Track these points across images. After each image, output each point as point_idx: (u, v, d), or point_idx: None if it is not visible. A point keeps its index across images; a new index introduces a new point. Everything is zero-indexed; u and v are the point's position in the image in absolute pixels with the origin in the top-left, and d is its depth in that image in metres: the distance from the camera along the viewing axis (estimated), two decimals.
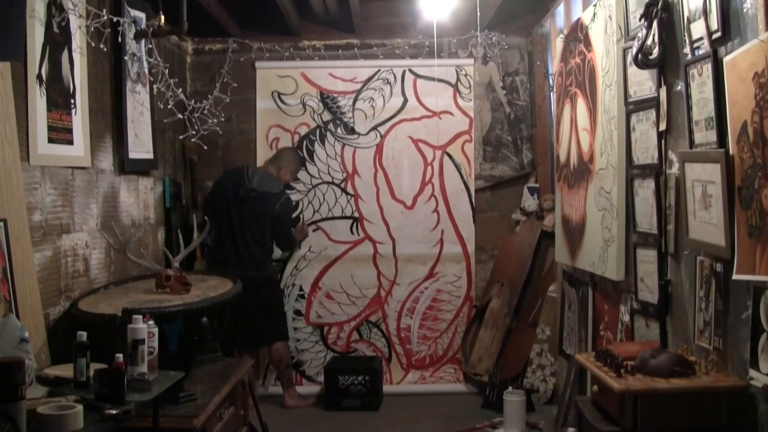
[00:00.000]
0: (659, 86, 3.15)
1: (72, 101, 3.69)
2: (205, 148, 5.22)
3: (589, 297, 4.19)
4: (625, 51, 3.50)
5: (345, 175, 5.72)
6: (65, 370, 2.88)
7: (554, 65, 4.83)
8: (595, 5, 3.86)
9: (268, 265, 5.32)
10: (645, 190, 3.32)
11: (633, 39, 3.29)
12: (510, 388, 4.67)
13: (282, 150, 5.52)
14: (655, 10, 3.03)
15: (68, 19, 3.60)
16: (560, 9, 4.73)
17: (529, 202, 5.55)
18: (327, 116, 5.72)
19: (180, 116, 4.86)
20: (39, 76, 3.35)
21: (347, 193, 5.73)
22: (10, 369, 2.23)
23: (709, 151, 2.64)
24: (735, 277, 2.41)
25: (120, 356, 2.73)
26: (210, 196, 5.46)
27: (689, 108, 2.80)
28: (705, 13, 2.66)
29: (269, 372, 5.65)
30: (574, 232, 4.29)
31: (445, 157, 5.70)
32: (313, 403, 5.38)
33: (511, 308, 5.33)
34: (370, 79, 5.71)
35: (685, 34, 2.85)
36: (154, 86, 4.50)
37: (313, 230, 5.70)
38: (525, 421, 4.55)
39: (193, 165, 5.66)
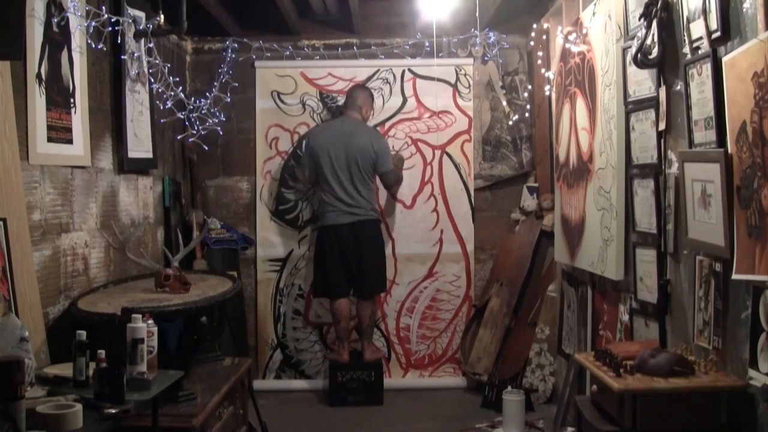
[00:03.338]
0: (659, 86, 3.15)
1: (71, 100, 3.69)
2: (206, 148, 5.24)
3: (588, 296, 4.19)
4: (624, 50, 3.50)
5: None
6: (65, 369, 2.88)
7: (554, 65, 4.83)
8: (594, 5, 3.86)
9: (375, 211, 5.38)
10: (644, 189, 3.32)
11: (632, 38, 3.29)
12: (509, 388, 4.66)
13: (353, 91, 5.44)
14: (654, 10, 3.03)
15: (68, 19, 3.60)
16: (560, 8, 4.73)
17: (529, 202, 5.55)
18: (327, 116, 5.71)
19: (179, 115, 4.87)
20: (38, 76, 3.35)
21: None
22: (10, 368, 2.23)
23: (708, 150, 2.64)
24: (734, 276, 2.41)
25: (102, 352, 2.73)
26: (308, 153, 5.38)
27: (688, 108, 2.80)
28: (704, 12, 2.66)
29: (268, 371, 5.66)
30: (574, 231, 4.29)
31: (445, 157, 5.71)
32: (383, 354, 5.54)
33: (511, 308, 5.33)
34: (369, 78, 5.71)
35: (685, 34, 2.85)
36: (154, 85, 4.50)
37: (313, 230, 5.71)
38: (524, 420, 4.54)
39: (193, 164, 5.66)
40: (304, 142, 5.47)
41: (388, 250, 5.66)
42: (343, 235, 5.20)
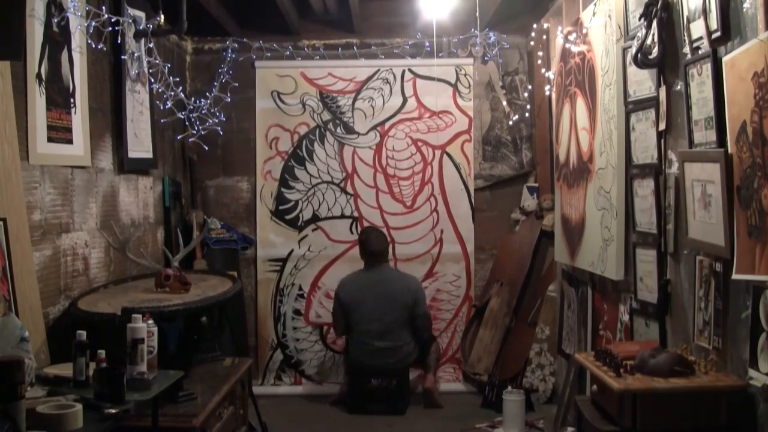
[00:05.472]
0: (659, 86, 3.15)
1: (71, 100, 3.69)
2: (206, 148, 5.24)
3: (588, 296, 4.19)
4: (624, 50, 3.50)
5: (344, 174, 5.72)
6: (65, 369, 2.88)
7: (554, 65, 4.83)
8: (594, 4, 3.86)
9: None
10: (644, 189, 3.32)
11: (632, 38, 3.29)
12: (509, 388, 4.66)
13: (380, 243, 5.30)
14: (654, 10, 3.03)
15: (68, 19, 3.60)
16: (560, 8, 4.73)
17: (529, 202, 5.55)
18: (326, 116, 5.71)
19: (179, 115, 4.87)
20: (38, 76, 3.35)
21: (347, 193, 5.73)
22: (10, 368, 2.23)
23: (708, 150, 2.64)
24: (734, 276, 2.41)
25: (102, 352, 2.73)
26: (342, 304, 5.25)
27: (689, 108, 2.80)
28: (704, 12, 2.66)
29: (268, 371, 5.66)
30: (574, 231, 4.29)
31: (445, 157, 5.70)
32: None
33: (511, 308, 5.33)
34: (369, 78, 5.71)
35: (685, 34, 2.85)
36: (154, 85, 4.50)
37: (313, 229, 5.71)
38: (524, 420, 4.54)
39: (193, 164, 5.66)
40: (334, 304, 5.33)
41: (389, 249, 5.67)
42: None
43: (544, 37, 5.10)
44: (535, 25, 4.93)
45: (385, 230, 5.66)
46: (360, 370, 5.11)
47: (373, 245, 5.25)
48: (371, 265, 5.26)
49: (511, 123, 5.71)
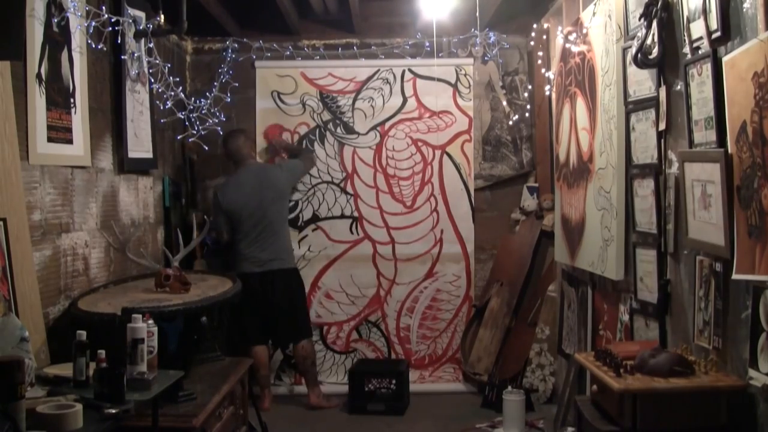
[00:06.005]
0: (659, 86, 3.15)
1: (71, 100, 3.69)
2: (206, 148, 5.24)
3: (588, 296, 4.19)
4: (624, 50, 3.50)
5: (344, 174, 5.72)
6: (65, 369, 2.88)
7: (554, 65, 4.83)
8: (594, 4, 3.87)
9: (290, 257, 5.34)
10: (644, 189, 3.32)
11: (633, 38, 3.29)
12: (509, 388, 4.67)
13: (235, 142, 5.32)
14: (654, 10, 3.03)
15: (68, 19, 3.60)
16: (560, 8, 4.73)
17: (529, 202, 5.55)
18: (326, 116, 5.71)
19: (179, 115, 4.87)
20: (38, 76, 3.35)
21: (347, 193, 5.73)
22: (10, 368, 2.23)
23: (708, 150, 2.64)
24: (734, 276, 2.41)
25: (102, 352, 2.73)
26: (218, 204, 5.30)
27: (689, 108, 2.80)
28: (705, 12, 2.66)
29: (269, 371, 5.65)
30: (574, 231, 4.29)
31: (445, 157, 5.70)
32: (336, 405, 5.27)
33: (511, 308, 5.33)
34: (369, 78, 5.71)
35: (685, 34, 2.85)
36: (154, 85, 4.50)
37: (313, 229, 5.71)
38: (524, 420, 4.55)
39: (193, 164, 5.66)
40: (213, 202, 5.40)
41: (389, 249, 5.67)
42: (256, 283, 5.10)
43: (544, 37, 5.10)
44: (535, 25, 4.93)
45: (385, 230, 5.67)
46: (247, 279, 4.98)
47: (230, 146, 5.32)
48: (238, 164, 5.35)
49: (511, 123, 5.70)
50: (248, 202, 5.18)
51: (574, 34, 4.16)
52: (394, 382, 5.15)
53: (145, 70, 4.49)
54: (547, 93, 4.98)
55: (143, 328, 2.90)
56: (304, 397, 5.34)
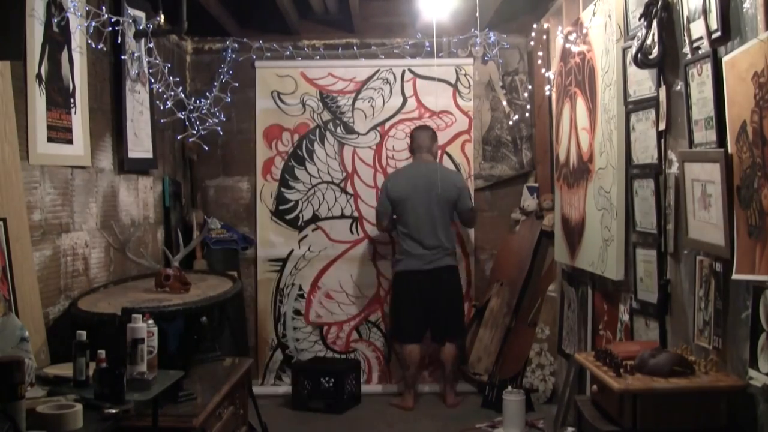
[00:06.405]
0: (659, 86, 3.15)
1: (71, 100, 3.69)
2: (206, 148, 5.25)
3: (588, 296, 4.19)
4: (624, 50, 3.50)
5: (344, 174, 5.72)
6: (65, 369, 2.88)
7: (554, 65, 4.83)
8: (595, 4, 3.86)
9: (454, 254, 5.33)
10: (644, 189, 3.32)
11: (633, 38, 3.29)
12: (509, 388, 4.67)
13: (422, 134, 5.34)
14: (654, 10, 3.03)
15: (68, 19, 3.60)
16: (560, 8, 4.73)
17: (529, 202, 5.55)
18: (327, 116, 5.72)
19: (179, 115, 4.87)
20: (38, 76, 3.35)
21: (347, 193, 5.73)
22: (10, 368, 2.23)
23: (708, 150, 2.64)
24: (734, 276, 2.41)
25: (102, 352, 2.74)
26: (386, 189, 5.31)
27: (689, 108, 2.80)
28: (705, 12, 2.66)
29: (268, 371, 5.65)
30: (574, 231, 4.29)
31: (445, 157, 5.70)
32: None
33: (511, 308, 5.33)
34: (369, 78, 5.71)
35: (685, 34, 2.85)
36: (154, 85, 4.50)
37: (313, 229, 5.71)
38: (524, 420, 4.55)
39: (193, 164, 5.66)
40: (381, 186, 5.40)
41: (389, 249, 5.67)
42: (423, 280, 5.16)
43: (544, 37, 5.10)
44: (535, 25, 4.93)
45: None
46: (409, 275, 5.15)
47: (419, 138, 5.32)
48: (414, 155, 5.36)
49: (511, 123, 5.71)
50: (416, 194, 5.16)
51: (574, 34, 4.16)
52: (332, 381, 5.15)
53: (145, 70, 4.49)
54: (547, 93, 4.98)
55: (143, 328, 2.90)
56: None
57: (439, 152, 5.49)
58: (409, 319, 5.22)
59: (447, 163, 5.69)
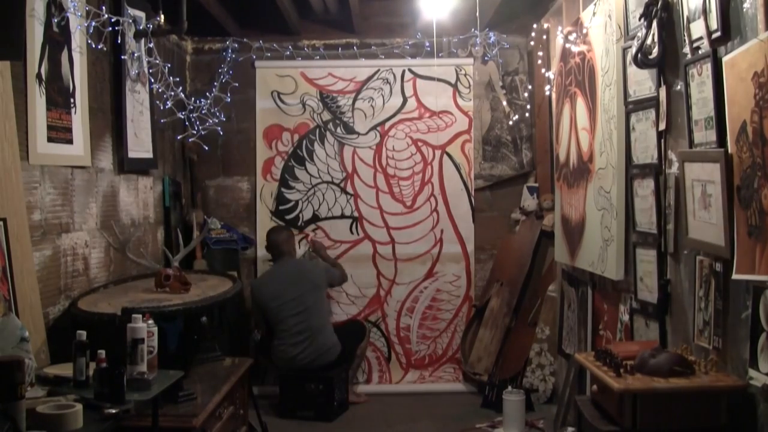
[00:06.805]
0: (659, 86, 3.15)
1: (71, 100, 3.69)
2: (206, 148, 5.24)
3: (588, 296, 4.19)
4: (624, 50, 3.50)
5: (344, 174, 5.72)
6: (65, 369, 2.88)
7: (554, 65, 4.83)
8: (595, 4, 3.86)
9: (336, 345, 5.19)
10: (644, 189, 3.32)
11: (633, 38, 3.29)
12: (509, 388, 4.66)
13: (277, 237, 5.31)
14: (654, 10, 3.03)
15: (68, 19, 3.60)
16: (560, 8, 4.73)
17: (529, 202, 5.55)
18: (327, 116, 5.72)
19: (179, 115, 4.87)
20: (38, 76, 3.35)
21: (347, 193, 5.73)
22: (10, 368, 2.23)
23: (708, 150, 2.64)
24: (734, 276, 2.41)
25: (102, 352, 2.74)
26: (256, 299, 5.26)
27: (689, 108, 2.80)
28: (705, 12, 2.66)
29: (268, 371, 5.65)
30: (574, 231, 4.29)
31: (445, 157, 5.70)
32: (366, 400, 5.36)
33: (511, 308, 5.33)
34: (369, 78, 5.71)
35: (685, 34, 2.85)
36: (154, 85, 4.50)
37: (314, 229, 5.71)
38: (524, 420, 4.55)
39: (193, 164, 5.66)
40: (252, 298, 5.31)
41: (389, 249, 5.67)
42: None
43: (544, 37, 5.10)
44: (535, 25, 4.93)
45: (385, 230, 5.67)
46: (289, 372, 5.10)
47: (272, 239, 5.30)
48: (276, 259, 5.32)
49: (511, 123, 5.71)
50: (286, 294, 5.10)
51: (574, 34, 4.16)
52: (321, 386, 5.01)
53: (145, 70, 4.49)
54: (547, 93, 4.98)
55: (143, 328, 2.90)
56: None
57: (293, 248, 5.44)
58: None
59: (447, 163, 5.70)
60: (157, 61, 4.41)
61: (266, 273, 5.40)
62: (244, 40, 5.62)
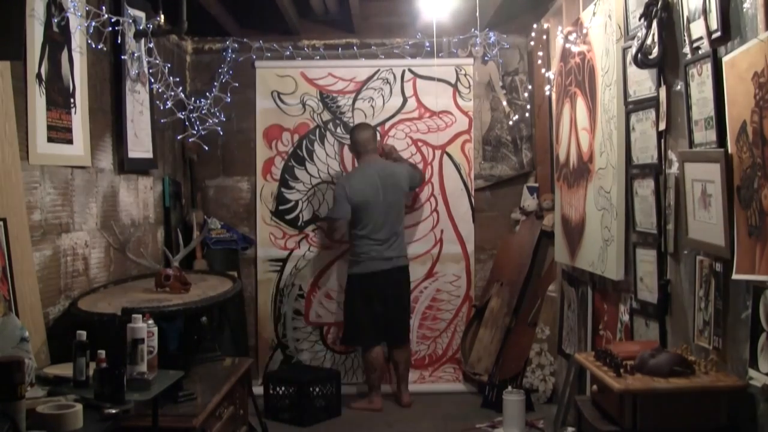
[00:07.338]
0: (659, 86, 3.15)
1: (71, 100, 3.69)
2: (206, 148, 5.24)
3: (588, 296, 4.19)
4: (624, 50, 3.50)
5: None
6: (65, 370, 2.88)
7: (554, 65, 4.83)
8: (595, 4, 3.86)
9: (406, 254, 5.32)
10: (644, 189, 3.32)
11: (633, 38, 3.29)
12: (509, 388, 4.67)
13: (363, 134, 5.31)
14: (654, 10, 3.03)
15: (68, 19, 3.60)
16: (560, 8, 4.73)
17: (529, 202, 5.55)
18: (327, 116, 5.71)
19: (179, 115, 4.87)
20: (38, 76, 3.35)
21: None
22: (10, 368, 2.23)
23: (708, 150, 2.64)
24: (734, 276, 2.41)
25: (102, 352, 2.74)
26: (344, 194, 5.24)
27: (689, 108, 2.80)
28: (705, 12, 2.66)
29: (268, 371, 5.65)
30: (574, 231, 4.29)
31: (445, 157, 5.70)
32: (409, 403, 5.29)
33: (511, 308, 5.33)
34: (369, 78, 5.71)
35: (685, 34, 2.85)
36: (154, 85, 4.50)
37: (313, 229, 5.71)
38: (524, 420, 4.55)
39: (193, 164, 5.66)
40: (335, 193, 5.35)
41: None
42: (380, 281, 5.16)
43: (544, 37, 5.10)
44: (535, 25, 4.93)
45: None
46: (369, 277, 5.14)
47: (357, 136, 5.31)
48: (360, 157, 5.33)
49: (511, 123, 5.71)
50: (375, 195, 5.16)
51: (574, 34, 4.16)
52: (292, 390, 4.95)
53: (145, 70, 4.49)
54: (547, 93, 4.98)
55: (143, 328, 2.90)
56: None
57: (380, 147, 5.43)
58: (369, 323, 5.18)
59: (447, 163, 5.69)
60: (157, 61, 4.41)
61: (355, 170, 5.41)
62: (244, 40, 5.62)
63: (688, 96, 2.80)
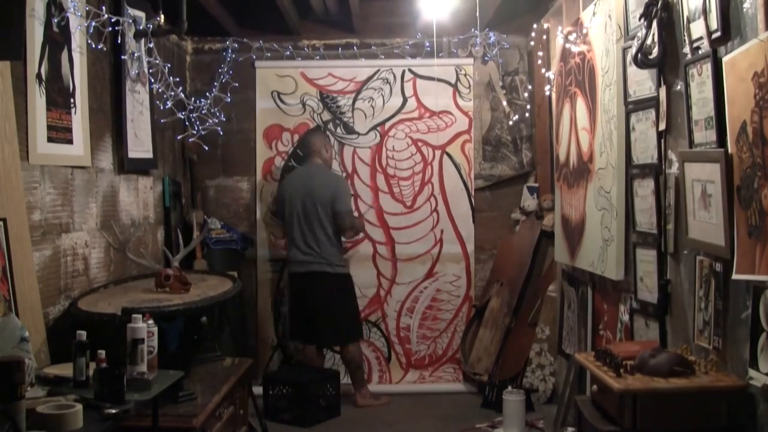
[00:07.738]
0: (659, 86, 3.15)
1: (71, 100, 3.69)
2: (206, 148, 5.24)
3: (588, 296, 4.19)
4: (624, 50, 3.50)
5: (344, 174, 5.71)
6: (65, 370, 2.88)
7: (554, 65, 4.83)
8: (595, 4, 3.86)
9: (333, 262, 5.24)
10: (644, 189, 3.32)
11: (633, 38, 3.29)
12: (509, 388, 4.66)
13: (310, 137, 5.43)
14: (654, 10, 3.03)
15: (68, 19, 3.60)
16: (560, 8, 4.73)
17: (529, 202, 5.55)
18: (327, 116, 5.72)
19: (179, 115, 4.87)
20: (38, 76, 3.35)
21: None
22: (10, 368, 2.23)
23: (708, 150, 2.64)
24: (734, 276, 2.41)
25: (102, 352, 2.74)
26: (277, 202, 5.41)
27: (689, 108, 2.80)
28: (705, 12, 2.66)
29: (268, 371, 5.64)
30: (574, 231, 4.29)
31: (445, 157, 5.70)
32: (387, 402, 5.27)
33: (511, 308, 5.33)
34: (369, 78, 5.71)
35: (685, 34, 2.85)
36: (154, 85, 4.50)
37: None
38: (524, 420, 4.55)
39: (193, 164, 5.66)
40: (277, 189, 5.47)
41: (389, 249, 5.67)
42: (300, 284, 5.20)
43: (544, 37, 5.10)
44: (535, 25, 4.93)
45: (383, 231, 5.67)
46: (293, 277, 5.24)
47: (305, 138, 5.46)
48: (300, 162, 5.47)
49: (511, 123, 5.71)
50: (296, 199, 5.16)
51: (574, 34, 4.16)
52: (292, 390, 4.93)
53: (145, 70, 4.49)
54: (547, 93, 4.98)
55: (143, 328, 2.90)
56: (375, 396, 5.34)
57: (327, 153, 5.39)
58: (296, 322, 5.26)
59: (447, 163, 5.70)
60: (157, 61, 4.41)
61: (294, 171, 5.46)
62: (244, 40, 5.62)
63: (688, 96, 2.80)
